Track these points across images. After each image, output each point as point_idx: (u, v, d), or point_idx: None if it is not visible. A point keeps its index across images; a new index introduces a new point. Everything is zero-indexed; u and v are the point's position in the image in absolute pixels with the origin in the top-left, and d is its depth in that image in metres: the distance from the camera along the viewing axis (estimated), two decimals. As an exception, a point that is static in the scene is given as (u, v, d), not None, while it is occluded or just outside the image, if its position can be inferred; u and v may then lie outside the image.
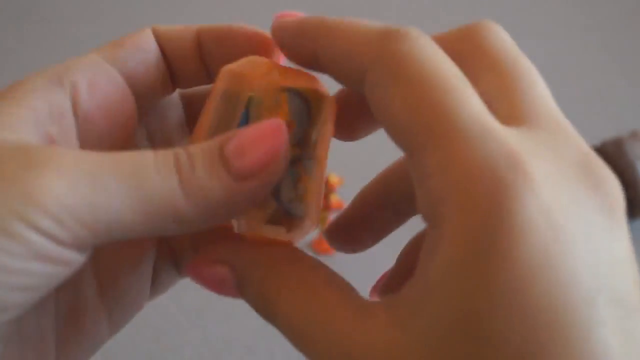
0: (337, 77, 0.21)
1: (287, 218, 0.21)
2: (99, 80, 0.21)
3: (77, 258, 0.17)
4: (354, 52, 0.19)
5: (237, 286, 0.21)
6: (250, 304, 0.22)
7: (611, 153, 0.60)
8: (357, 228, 0.26)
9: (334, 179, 0.65)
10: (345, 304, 0.18)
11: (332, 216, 0.58)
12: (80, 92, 0.20)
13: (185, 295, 0.56)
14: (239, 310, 0.55)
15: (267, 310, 0.21)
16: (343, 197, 0.64)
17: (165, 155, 0.18)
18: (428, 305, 0.16)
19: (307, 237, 0.59)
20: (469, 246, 0.15)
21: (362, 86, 0.19)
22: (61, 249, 0.17)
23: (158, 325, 0.53)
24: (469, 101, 0.17)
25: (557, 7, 0.95)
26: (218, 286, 0.21)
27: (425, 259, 0.16)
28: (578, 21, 0.92)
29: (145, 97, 0.22)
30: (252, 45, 0.23)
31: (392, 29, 0.18)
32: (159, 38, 0.23)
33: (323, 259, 0.58)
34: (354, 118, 0.23)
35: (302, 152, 0.20)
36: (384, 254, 0.58)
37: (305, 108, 0.21)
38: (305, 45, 0.21)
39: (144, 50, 0.22)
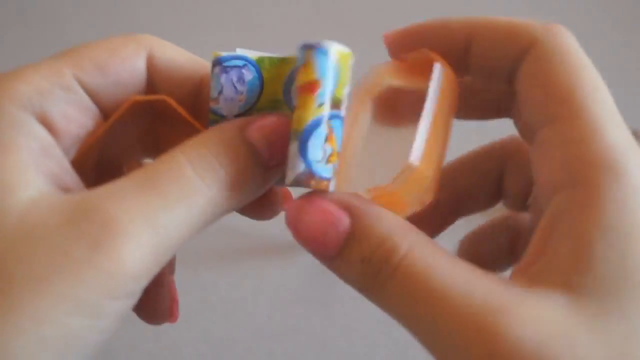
0: (487, 65, 0.21)
1: (315, 179, 0.20)
2: (74, 113, 0.20)
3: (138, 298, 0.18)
4: (514, 34, 0.21)
5: (347, 238, 0.18)
6: (350, 263, 0.19)
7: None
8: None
9: None
10: (482, 276, 0.17)
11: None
12: (58, 128, 0.19)
13: (186, 295, 0.56)
14: (239, 309, 0.55)
15: (382, 269, 0.18)
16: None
17: (201, 158, 0.18)
18: (593, 262, 0.16)
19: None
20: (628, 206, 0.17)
21: (513, 65, 0.20)
22: (138, 296, 0.18)
23: (158, 325, 0.53)
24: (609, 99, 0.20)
25: (557, 7, 0.95)
26: (322, 231, 0.18)
27: (571, 221, 0.17)
28: (578, 21, 0.92)
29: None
30: None
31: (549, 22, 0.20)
32: (153, 73, 0.21)
33: (323, 258, 0.58)
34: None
35: (331, 112, 0.20)
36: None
37: (333, 67, 0.20)
38: (455, 37, 0.22)
39: (126, 85, 0.21)
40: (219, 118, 0.21)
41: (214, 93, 0.21)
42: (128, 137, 0.22)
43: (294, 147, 0.19)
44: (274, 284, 0.56)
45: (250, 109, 0.22)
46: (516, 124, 0.22)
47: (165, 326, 0.56)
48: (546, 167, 0.18)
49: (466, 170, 0.24)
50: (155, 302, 0.23)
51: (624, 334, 0.16)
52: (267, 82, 0.22)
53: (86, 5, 0.96)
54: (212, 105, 0.21)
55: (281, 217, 0.62)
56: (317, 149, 0.19)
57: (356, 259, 0.18)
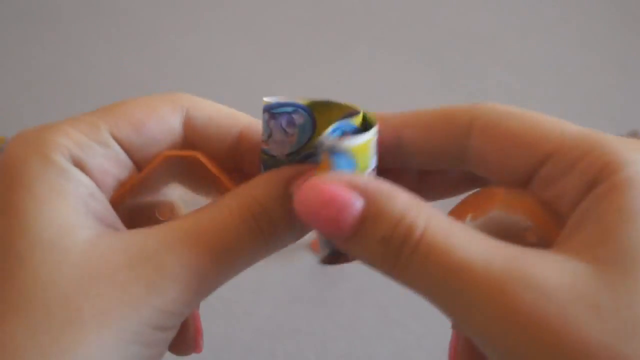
0: (498, 166, 0.21)
1: (345, 255, 0.22)
2: (111, 167, 0.21)
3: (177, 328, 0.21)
4: (455, 126, 0.21)
5: (362, 219, 0.18)
6: (368, 244, 0.19)
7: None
8: None
9: None
10: (499, 244, 0.18)
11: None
12: (96, 179, 0.21)
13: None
14: (239, 309, 0.55)
15: (403, 248, 0.18)
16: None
17: (241, 210, 0.21)
18: (613, 238, 0.17)
19: (307, 237, 0.59)
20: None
21: (528, 172, 0.21)
22: (175, 331, 0.21)
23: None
24: None
25: (557, 7, 0.95)
26: (336, 213, 0.18)
27: (593, 208, 0.18)
28: (578, 21, 0.92)
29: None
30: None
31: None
32: (189, 131, 0.22)
33: (323, 258, 0.58)
34: None
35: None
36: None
37: (350, 162, 0.21)
38: (453, 139, 0.22)
39: (161, 143, 0.22)
40: (270, 157, 0.22)
41: (264, 136, 0.22)
42: (160, 185, 0.24)
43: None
44: (274, 284, 0.56)
45: (302, 148, 0.22)
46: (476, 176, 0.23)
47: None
48: (566, 185, 0.20)
49: (426, 130, 0.23)
50: (181, 333, 0.25)
51: None
52: (319, 125, 0.22)
53: (86, 5, 0.96)
54: (263, 146, 0.22)
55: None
56: None
57: (374, 239, 0.19)
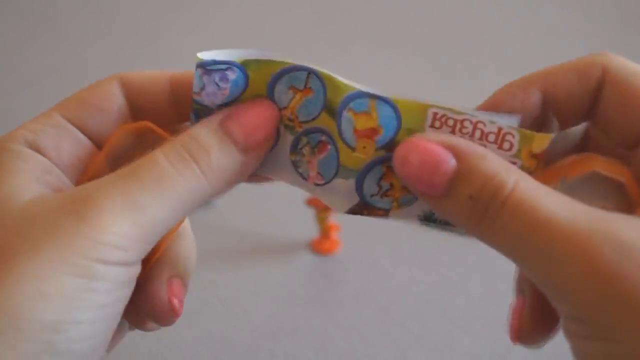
0: (620, 123, 0.22)
1: (368, 208, 0.23)
2: (64, 144, 0.23)
3: (136, 271, 0.21)
4: (584, 72, 0.21)
5: (454, 177, 0.20)
6: (458, 201, 0.20)
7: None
8: None
9: None
10: (582, 205, 0.19)
11: (332, 217, 0.58)
12: (51, 157, 0.23)
13: (186, 295, 0.56)
14: (239, 309, 0.55)
15: (492, 204, 0.19)
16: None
17: (174, 150, 0.21)
18: None
19: (307, 237, 0.59)
20: None
21: (593, 96, 0.21)
22: (130, 267, 0.21)
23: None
24: None
25: (557, 7, 0.95)
26: (429, 171, 0.20)
27: None
28: (578, 20, 0.92)
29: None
30: None
31: None
32: (128, 92, 0.24)
33: (323, 259, 0.58)
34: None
35: (388, 154, 0.22)
36: (384, 254, 0.58)
37: (394, 115, 0.22)
38: (589, 92, 0.22)
39: (107, 111, 0.24)
40: (202, 107, 0.24)
41: (196, 88, 0.23)
42: (123, 159, 0.25)
43: (350, 184, 0.23)
44: (274, 284, 0.56)
45: (234, 101, 0.24)
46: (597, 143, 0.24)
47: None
48: None
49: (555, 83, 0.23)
50: (155, 303, 0.25)
51: None
52: (252, 81, 0.24)
53: (86, 5, 0.96)
54: (195, 97, 0.23)
55: (281, 217, 0.61)
56: (372, 185, 0.23)
57: (464, 196, 0.20)
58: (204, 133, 0.22)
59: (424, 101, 0.22)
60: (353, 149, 0.23)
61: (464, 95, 0.76)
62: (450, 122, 0.22)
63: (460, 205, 0.20)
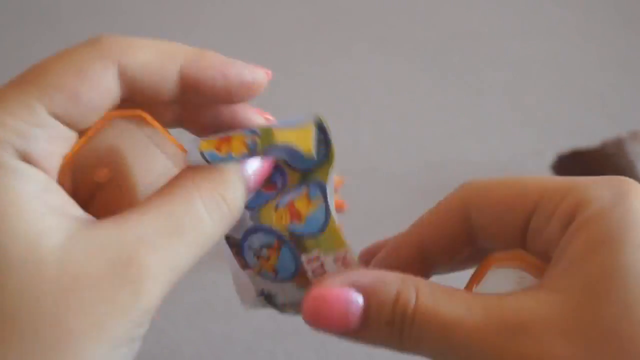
0: (495, 227, 0.24)
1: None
2: (56, 148, 0.20)
3: None
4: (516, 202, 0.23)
5: (365, 311, 0.22)
6: (377, 331, 0.22)
7: (612, 153, 0.60)
8: None
9: (335, 178, 0.65)
10: (477, 297, 0.21)
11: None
12: (44, 166, 0.20)
13: (185, 295, 0.56)
14: (239, 309, 0.54)
15: (405, 325, 0.21)
16: (343, 197, 0.64)
17: (212, 198, 0.21)
18: (576, 273, 0.20)
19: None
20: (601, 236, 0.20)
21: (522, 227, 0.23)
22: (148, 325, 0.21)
23: (158, 325, 0.53)
24: None
25: (558, 7, 0.95)
26: (343, 315, 0.22)
27: (565, 245, 0.21)
28: (578, 20, 0.92)
29: None
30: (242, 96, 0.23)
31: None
32: (127, 85, 0.21)
33: (323, 258, 0.58)
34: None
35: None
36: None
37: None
38: (460, 226, 0.24)
39: (101, 109, 0.21)
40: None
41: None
42: (106, 148, 0.22)
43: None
44: (274, 284, 0.56)
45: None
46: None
47: (165, 326, 0.56)
48: (550, 234, 0.22)
49: (430, 226, 0.26)
50: None
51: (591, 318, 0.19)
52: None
53: (86, 5, 0.96)
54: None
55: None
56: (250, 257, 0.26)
57: (381, 324, 0.21)
58: (235, 179, 0.22)
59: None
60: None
61: (464, 95, 0.76)
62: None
63: (379, 334, 0.22)
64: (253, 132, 0.22)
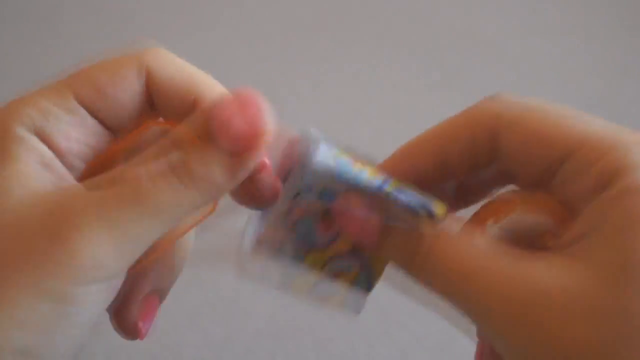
0: (522, 165, 0.22)
1: None
2: (77, 133, 0.22)
3: (116, 285, 0.21)
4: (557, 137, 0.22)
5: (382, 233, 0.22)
6: (393, 251, 0.22)
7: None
8: None
9: None
10: (502, 252, 0.20)
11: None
12: (59, 147, 0.21)
13: (186, 295, 0.56)
14: (239, 310, 0.55)
15: (419, 251, 0.21)
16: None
17: (158, 171, 0.20)
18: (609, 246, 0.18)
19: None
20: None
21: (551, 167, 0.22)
22: (110, 280, 0.20)
23: (158, 325, 0.53)
24: None
25: (558, 6, 0.95)
26: (362, 223, 0.22)
27: (600, 212, 0.19)
28: (579, 21, 0.92)
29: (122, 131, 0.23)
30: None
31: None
32: (151, 88, 0.22)
33: (323, 258, 0.58)
34: None
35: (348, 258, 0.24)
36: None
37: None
38: (485, 145, 0.23)
39: (126, 106, 0.22)
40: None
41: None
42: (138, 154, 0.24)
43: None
44: (274, 284, 0.56)
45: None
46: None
47: (166, 326, 0.56)
48: (584, 184, 0.21)
49: (449, 139, 0.24)
50: (123, 316, 0.24)
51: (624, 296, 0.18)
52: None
53: (86, 5, 0.96)
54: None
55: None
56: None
57: (396, 244, 0.22)
58: (185, 134, 0.21)
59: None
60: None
61: (464, 94, 0.76)
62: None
63: (394, 248, 0.22)
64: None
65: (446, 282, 0.20)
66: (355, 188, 0.22)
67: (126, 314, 0.24)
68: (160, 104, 0.23)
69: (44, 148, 0.21)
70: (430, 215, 0.21)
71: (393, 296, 0.55)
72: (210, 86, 0.23)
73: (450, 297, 0.20)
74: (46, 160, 0.21)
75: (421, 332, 0.52)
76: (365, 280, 0.24)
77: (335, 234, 0.23)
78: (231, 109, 0.20)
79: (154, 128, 0.23)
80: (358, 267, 0.24)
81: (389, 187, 0.22)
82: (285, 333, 0.52)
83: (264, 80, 0.80)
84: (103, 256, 0.19)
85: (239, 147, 0.20)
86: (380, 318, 0.53)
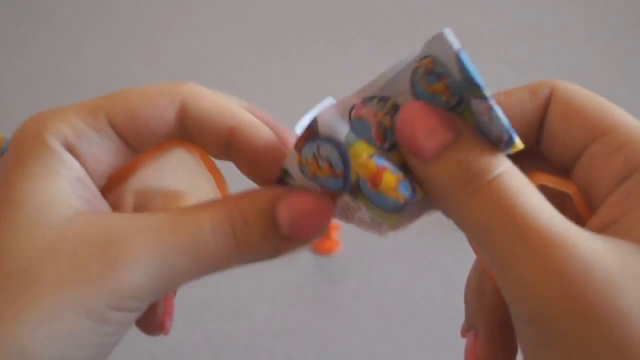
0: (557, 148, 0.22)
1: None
2: (106, 155, 0.22)
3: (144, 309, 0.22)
4: (534, 93, 0.22)
5: (448, 145, 0.20)
6: (446, 163, 0.20)
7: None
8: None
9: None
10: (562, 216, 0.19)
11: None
12: (87, 167, 0.22)
13: (185, 295, 0.56)
14: (239, 309, 0.55)
15: (476, 178, 0.19)
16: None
17: (221, 223, 0.21)
18: None
19: (307, 237, 0.59)
20: None
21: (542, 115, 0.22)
22: (140, 312, 0.21)
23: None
24: None
25: (559, 6, 0.95)
26: (428, 133, 0.20)
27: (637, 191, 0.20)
28: (579, 20, 0.92)
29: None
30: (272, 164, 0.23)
31: None
32: (185, 122, 0.23)
33: (323, 259, 0.58)
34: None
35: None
36: (384, 254, 0.58)
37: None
38: (538, 111, 0.23)
39: (156, 134, 0.23)
40: (285, 174, 0.23)
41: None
42: (158, 174, 0.25)
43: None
44: (274, 284, 0.56)
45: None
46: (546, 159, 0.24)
47: (165, 326, 0.55)
48: (610, 165, 0.21)
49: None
50: (149, 315, 0.26)
51: None
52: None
53: (86, 5, 0.96)
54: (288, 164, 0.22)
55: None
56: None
57: (453, 160, 0.20)
58: (253, 212, 0.22)
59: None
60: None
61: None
62: None
63: (446, 168, 0.20)
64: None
65: (492, 219, 0.19)
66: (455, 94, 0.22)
67: (153, 313, 0.25)
68: (195, 135, 0.23)
69: (78, 165, 0.22)
70: (510, 143, 0.20)
71: (393, 296, 0.55)
72: (245, 118, 0.23)
73: (489, 235, 0.19)
74: (82, 178, 0.22)
75: (421, 332, 0.52)
76: (407, 189, 0.21)
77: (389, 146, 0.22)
78: (298, 207, 0.22)
79: (177, 150, 0.24)
80: (402, 176, 0.22)
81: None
82: (285, 333, 0.52)
83: (261, 78, 0.80)
84: (145, 290, 0.20)
85: (294, 236, 0.23)
86: (380, 318, 0.53)
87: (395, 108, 0.22)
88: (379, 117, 0.22)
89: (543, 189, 0.21)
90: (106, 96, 0.23)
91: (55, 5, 0.96)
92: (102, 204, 0.23)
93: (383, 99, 0.23)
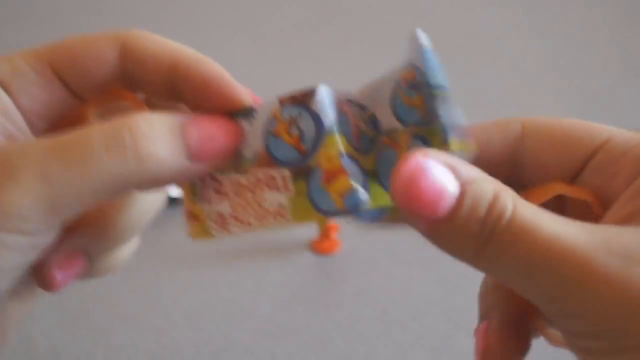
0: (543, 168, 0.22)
1: None
2: (42, 94, 0.23)
3: (44, 239, 0.21)
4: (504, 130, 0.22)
5: (458, 202, 0.18)
6: (464, 225, 0.19)
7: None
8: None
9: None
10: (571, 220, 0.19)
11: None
12: (21, 103, 0.22)
13: (186, 295, 0.56)
14: (239, 310, 0.55)
15: (497, 226, 0.18)
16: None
17: (114, 132, 0.20)
18: None
19: (307, 237, 0.59)
20: None
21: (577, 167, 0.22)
22: (35, 236, 0.20)
23: (158, 325, 0.53)
24: None
25: (560, 6, 0.95)
26: (436, 198, 0.18)
27: None
28: (580, 20, 0.92)
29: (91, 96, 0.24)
30: (225, 102, 0.23)
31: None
32: (126, 63, 0.23)
33: (323, 259, 0.58)
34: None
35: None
36: (384, 254, 0.58)
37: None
38: (511, 144, 0.23)
39: (98, 77, 0.23)
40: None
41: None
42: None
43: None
44: (274, 284, 0.56)
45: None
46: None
47: (165, 326, 0.56)
48: (621, 167, 0.21)
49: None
50: (40, 267, 0.24)
51: None
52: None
53: (86, 5, 0.96)
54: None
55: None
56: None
57: (471, 221, 0.18)
58: (159, 125, 0.21)
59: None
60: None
61: (464, 94, 0.76)
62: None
63: (462, 231, 0.19)
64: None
65: (525, 256, 0.18)
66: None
67: (43, 264, 0.24)
68: (137, 75, 0.23)
69: (7, 99, 0.22)
70: (459, 139, 0.20)
71: (393, 296, 0.55)
72: (187, 52, 0.23)
73: (527, 273, 0.18)
74: (8, 111, 0.22)
75: (421, 332, 0.52)
76: (356, 202, 0.20)
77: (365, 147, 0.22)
78: (207, 125, 0.22)
79: (121, 98, 0.24)
80: (360, 185, 0.21)
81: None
82: (285, 333, 0.52)
83: (261, 78, 0.80)
84: (32, 210, 0.20)
85: (202, 156, 0.22)
86: (380, 318, 0.53)
87: (372, 119, 0.22)
88: (358, 123, 0.22)
89: (526, 196, 0.20)
90: (54, 42, 0.23)
91: (56, 5, 0.96)
92: (27, 138, 0.23)
93: (362, 108, 0.23)
